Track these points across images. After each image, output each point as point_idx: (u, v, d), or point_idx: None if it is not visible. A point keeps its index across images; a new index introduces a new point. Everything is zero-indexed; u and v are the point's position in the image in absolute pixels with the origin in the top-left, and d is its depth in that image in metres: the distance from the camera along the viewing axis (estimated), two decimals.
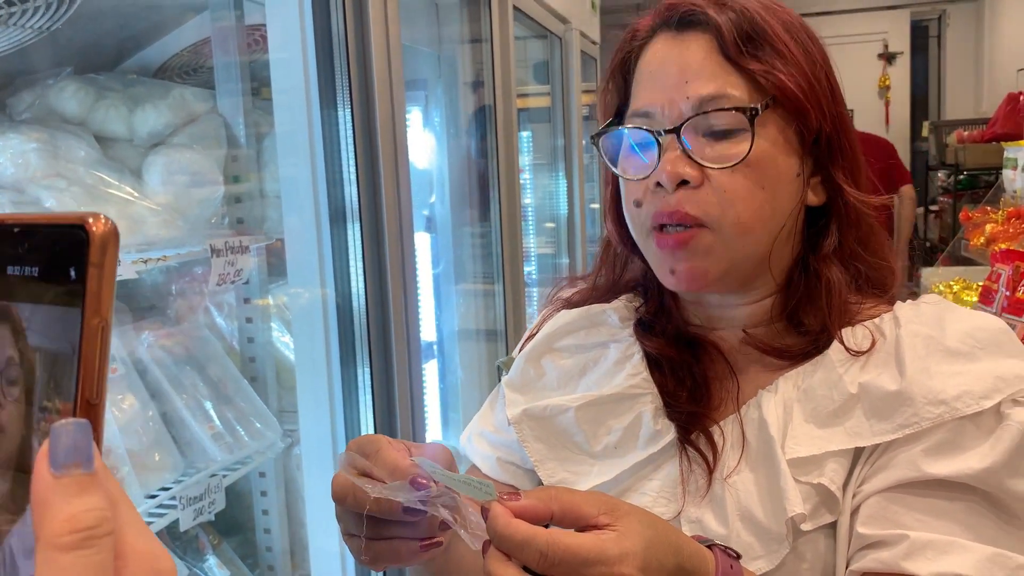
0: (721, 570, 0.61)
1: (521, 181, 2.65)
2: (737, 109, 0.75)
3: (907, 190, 4.63)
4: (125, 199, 1.22)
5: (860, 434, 0.74)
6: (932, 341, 0.75)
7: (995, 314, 2.39)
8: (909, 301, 0.82)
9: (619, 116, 0.84)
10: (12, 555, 0.34)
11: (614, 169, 0.82)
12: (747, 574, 0.64)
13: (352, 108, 1.40)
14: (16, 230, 0.35)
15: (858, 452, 0.75)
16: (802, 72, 0.78)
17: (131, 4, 1.52)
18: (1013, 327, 2.31)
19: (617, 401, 0.83)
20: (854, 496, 0.74)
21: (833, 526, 0.74)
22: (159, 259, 1.17)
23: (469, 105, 2.35)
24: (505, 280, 2.34)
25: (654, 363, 0.85)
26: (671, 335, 0.85)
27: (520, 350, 0.93)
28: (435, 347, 2.30)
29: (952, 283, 3.20)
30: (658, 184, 0.77)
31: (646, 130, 0.78)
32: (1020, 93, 4.84)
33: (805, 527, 0.74)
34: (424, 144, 2.22)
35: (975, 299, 2.79)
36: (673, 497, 0.79)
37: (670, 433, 0.81)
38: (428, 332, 2.29)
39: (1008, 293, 2.36)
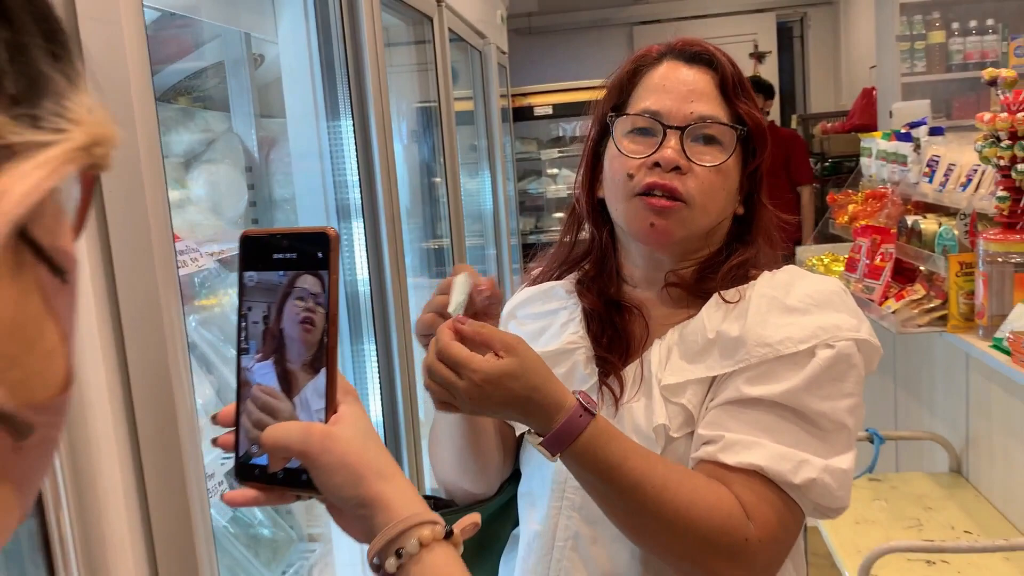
0: (572, 415, 0.86)
1: None
2: (730, 126, 1.01)
3: (802, 191, 5.07)
4: (179, 204, 1.48)
5: (712, 368, 0.98)
6: (775, 300, 0.98)
7: (857, 279, 2.87)
8: (774, 271, 1.04)
9: (615, 109, 1.06)
10: (307, 400, 0.65)
11: (618, 147, 1.02)
12: (599, 428, 0.87)
13: (353, 121, 1.70)
14: (287, 237, 0.65)
15: (712, 380, 0.99)
16: (760, 117, 1.06)
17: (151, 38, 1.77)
18: (871, 289, 2.79)
19: (558, 355, 1.06)
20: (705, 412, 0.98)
21: (692, 434, 0.98)
22: (219, 252, 1.44)
23: (415, 117, 2.66)
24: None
25: (589, 319, 1.07)
26: (604, 295, 1.08)
27: None
28: None
29: (823, 257, 3.70)
30: (656, 164, 0.99)
31: (659, 122, 1.00)
32: (872, 88, 5.47)
33: (674, 434, 0.98)
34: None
35: (842, 269, 3.26)
36: None
37: (595, 375, 1.04)
38: None
39: (868, 261, 2.83)
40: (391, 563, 0.61)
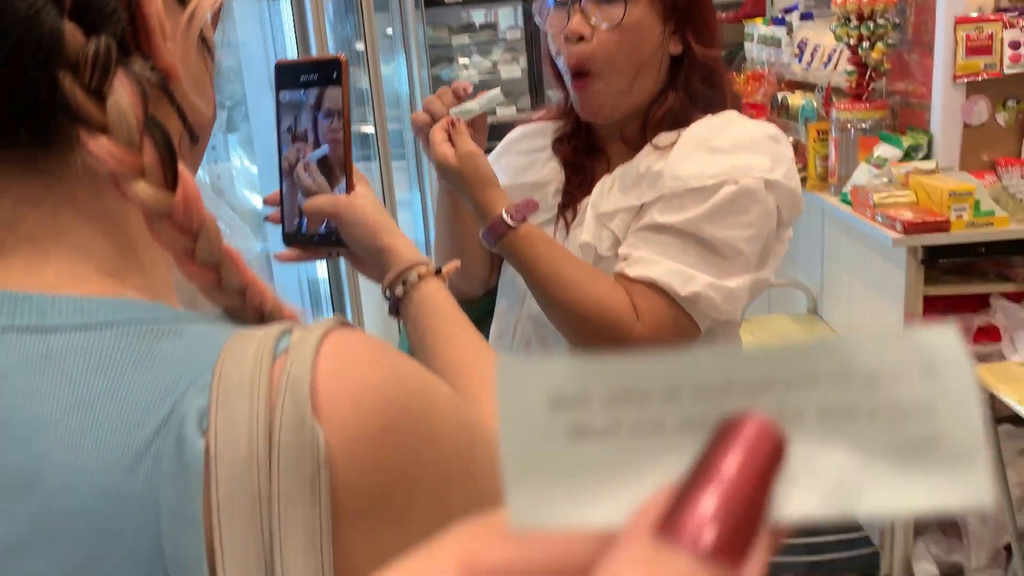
0: (495, 222, 1.04)
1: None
2: None
3: None
4: None
5: (640, 198, 1.10)
6: (702, 140, 1.08)
7: None
8: (715, 114, 1.12)
9: None
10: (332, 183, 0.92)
11: (542, 25, 1.14)
12: (519, 235, 1.04)
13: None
14: (309, 63, 0.88)
15: (639, 209, 1.11)
16: None
17: None
18: None
19: (533, 185, 1.22)
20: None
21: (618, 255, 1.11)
22: None
23: (332, 3, 2.83)
24: (380, 158, 2.76)
25: (564, 162, 1.22)
26: (576, 146, 1.22)
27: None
28: None
29: None
30: (567, 37, 1.10)
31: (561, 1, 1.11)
32: None
33: (603, 254, 1.12)
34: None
35: None
36: None
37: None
38: None
39: None
40: (399, 289, 0.82)
